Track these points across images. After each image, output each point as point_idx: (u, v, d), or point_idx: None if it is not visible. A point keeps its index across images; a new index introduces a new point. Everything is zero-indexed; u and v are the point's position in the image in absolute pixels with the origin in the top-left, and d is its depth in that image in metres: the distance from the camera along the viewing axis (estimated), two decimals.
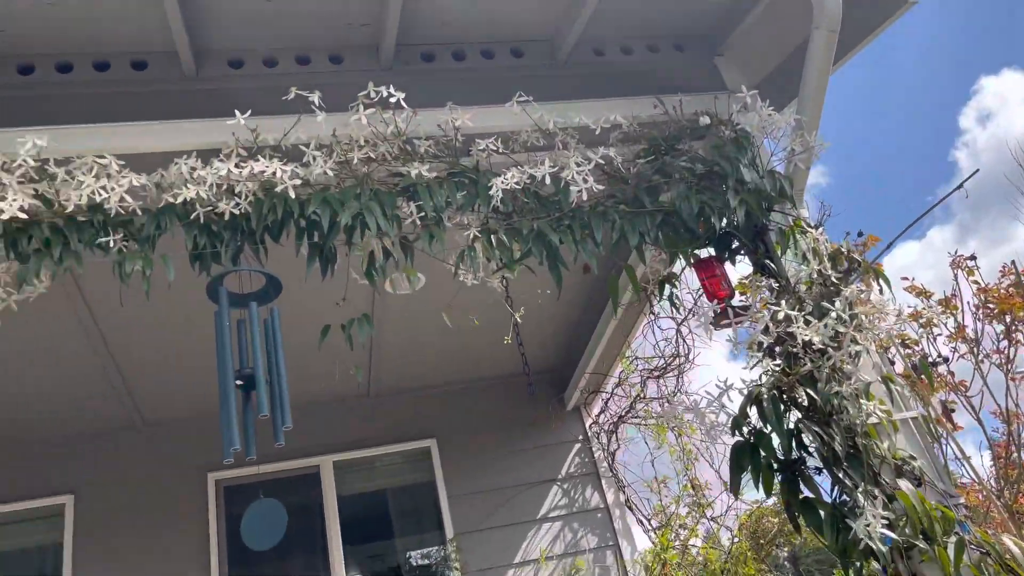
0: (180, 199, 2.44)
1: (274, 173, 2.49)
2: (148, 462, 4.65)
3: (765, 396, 2.55)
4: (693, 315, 4.15)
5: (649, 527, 4.78)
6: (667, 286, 3.06)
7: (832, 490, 2.55)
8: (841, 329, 2.54)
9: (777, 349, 2.65)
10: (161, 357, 4.18)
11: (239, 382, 2.50)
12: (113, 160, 2.42)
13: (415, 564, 4.88)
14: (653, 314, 4.43)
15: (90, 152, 2.43)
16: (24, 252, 2.34)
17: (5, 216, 2.25)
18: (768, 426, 2.55)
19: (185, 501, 4.56)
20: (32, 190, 2.37)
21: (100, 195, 2.36)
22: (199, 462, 4.66)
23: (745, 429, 2.60)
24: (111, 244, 2.38)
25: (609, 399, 5.09)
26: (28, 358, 3.96)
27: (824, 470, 2.56)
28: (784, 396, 2.57)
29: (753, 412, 2.56)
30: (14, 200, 2.28)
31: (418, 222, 2.63)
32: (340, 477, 4.86)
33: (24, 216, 2.30)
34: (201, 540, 4.47)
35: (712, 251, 2.91)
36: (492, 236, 2.68)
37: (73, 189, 2.36)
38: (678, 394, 4.61)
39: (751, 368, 2.65)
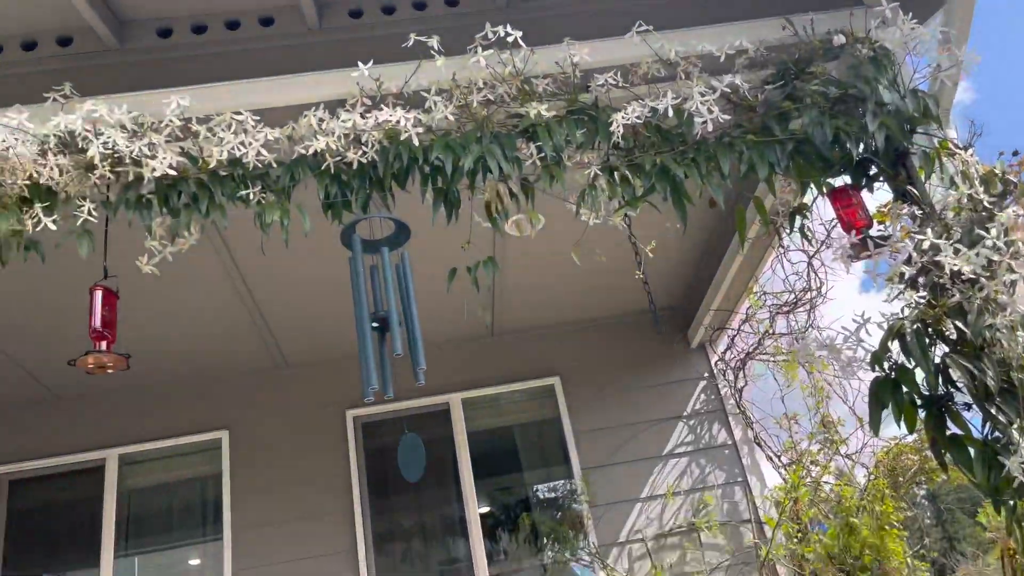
0: (311, 151, 2.53)
1: (398, 121, 2.54)
2: (292, 401, 4.96)
3: (908, 330, 2.42)
4: (826, 247, 3.98)
5: (779, 463, 4.70)
6: (798, 217, 2.94)
7: (983, 427, 2.41)
8: (995, 257, 2.37)
9: (921, 280, 2.50)
10: (301, 304, 4.42)
11: (375, 324, 2.60)
12: (249, 116, 2.53)
13: (542, 497, 5.02)
14: (782, 247, 4.28)
15: (228, 109, 2.55)
16: (175, 207, 2.50)
17: (157, 173, 2.42)
18: (912, 361, 2.43)
19: (327, 437, 4.86)
20: (178, 148, 2.53)
21: (239, 150, 2.48)
22: (338, 400, 4.94)
23: (886, 364, 2.49)
24: (250, 197, 2.51)
25: (735, 336, 4.98)
26: (185, 311, 4.28)
27: (973, 406, 2.43)
28: (929, 329, 2.43)
29: (895, 347, 2.45)
30: (164, 158, 2.43)
31: (538, 163, 2.63)
32: (469, 414, 5.03)
33: (173, 173, 2.46)
34: (343, 472, 4.76)
35: (847, 179, 2.76)
36: (613, 173, 2.65)
37: (215, 145, 2.50)
38: (809, 329, 4.46)
39: (891, 301, 2.53)
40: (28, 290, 3.79)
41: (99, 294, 2.68)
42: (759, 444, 4.81)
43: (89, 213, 2.41)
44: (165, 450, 4.85)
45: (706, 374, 5.08)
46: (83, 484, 4.75)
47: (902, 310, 2.48)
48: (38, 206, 2.39)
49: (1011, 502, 2.34)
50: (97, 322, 2.64)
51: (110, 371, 2.72)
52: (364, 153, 2.55)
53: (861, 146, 2.66)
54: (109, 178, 2.45)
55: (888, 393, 2.48)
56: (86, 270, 2.66)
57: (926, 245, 2.44)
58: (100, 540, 4.55)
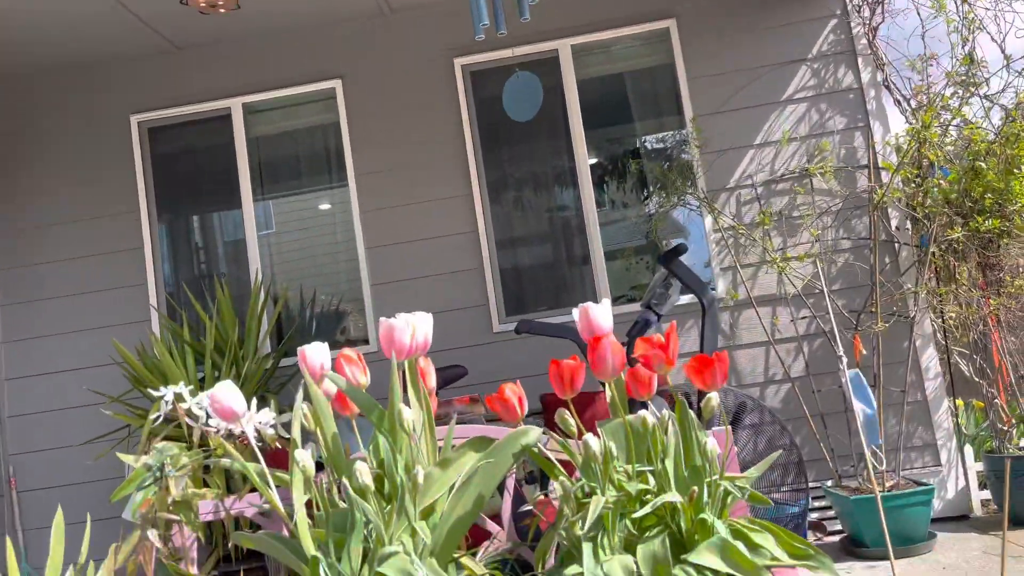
0: None
1: None
2: (400, 49, 4.92)
3: None
4: None
5: (907, 107, 4.45)
6: None
7: None
8: None
9: None
10: None
11: None
12: None
13: (652, 148, 5.01)
14: None
15: None
16: None
17: None
18: None
19: (436, 86, 4.87)
20: None
21: None
22: (446, 47, 4.87)
23: None
24: None
25: None
26: None
27: None
28: None
29: None
30: None
31: None
32: (579, 61, 4.89)
33: None
34: (455, 120, 4.85)
35: None
36: None
37: None
38: None
39: None
40: None
41: None
42: (888, 87, 4.53)
43: None
44: (284, 99, 5.02)
45: (838, 11, 4.66)
46: (214, 132, 5.05)
47: None
48: None
49: None
50: None
51: (222, 10, 2.71)
52: None
53: None
54: None
55: None
56: None
57: None
58: (238, 184, 4.95)
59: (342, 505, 1.77)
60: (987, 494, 4.36)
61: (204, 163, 5.13)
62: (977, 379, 4.40)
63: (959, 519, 4.29)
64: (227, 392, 1.70)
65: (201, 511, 2.12)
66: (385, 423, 1.78)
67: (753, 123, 4.68)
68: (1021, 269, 4.25)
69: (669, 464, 1.64)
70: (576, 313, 1.89)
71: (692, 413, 1.68)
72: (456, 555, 1.80)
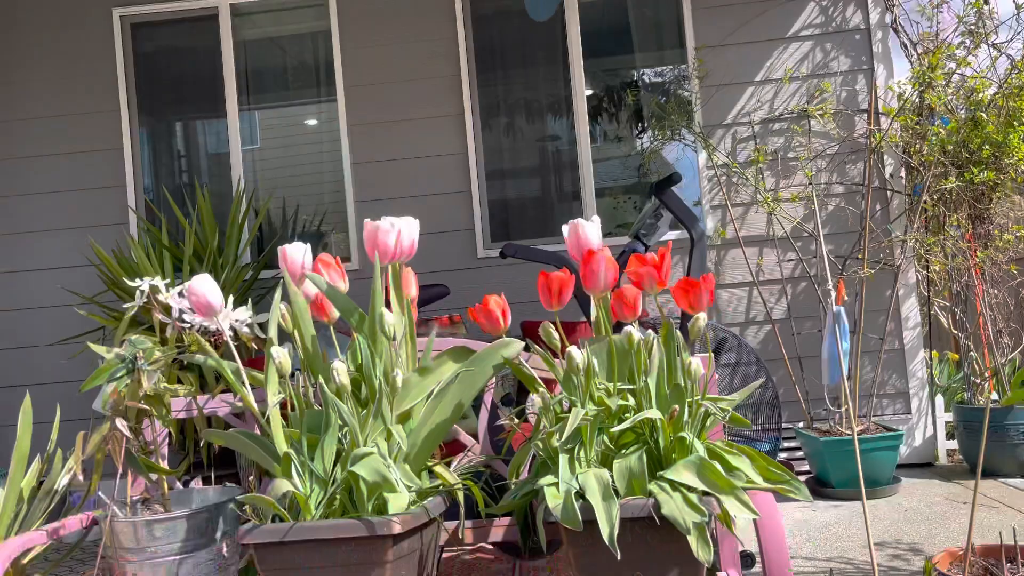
0: None
1: None
2: None
3: None
4: None
5: (913, 52, 4.36)
6: None
7: None
8: None
9: None
10: None
11: None
12: None
13: (650, 80, 4.90)
14: None
15: None
16: None
17: None
18: None
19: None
20: None
21: None
22: None
23: None
24: None
25: None
26: None
27: None
28: None
29: None
30: None
31: None
32: None
33: None
34: (450, 35, 4.69)
35: None
36: None
37: None
38: None
39: None
40: None
41: None
42: (896, 30, 4.42)
43: None
44: (274, 2, 4.83)
45: None
46: (200, 33, 4.86)
47: None
48: None
49: None
50: None
51: None
52: None
53: None
54: None
55: None
56: None
57: None
58: (223, 90, 4.79)
59: (318, 408, 1.74)
60: (953, 444, 4.44)
61: (188, 66, 4.95)
62: (955, 332, 4.43)
63: (924, 466, 4.38)
64: (205, 284, 1.65)
65: (173, 409, 2.09)
66: (365, 326, 1.74)
67: (755, 58, 4.57)
68: (1011, 224, 4.24)
69: (651, 382, 1.62)
70: (566, 230, 1.85)
71: (678, 333, 1.65)
72: (430, 463, 1.78)
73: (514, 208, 4.81)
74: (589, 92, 4.78)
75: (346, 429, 1.63)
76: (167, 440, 2.12)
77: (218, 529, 1.76)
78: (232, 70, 4.79)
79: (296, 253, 1.82)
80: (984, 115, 4.00)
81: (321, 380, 1.66)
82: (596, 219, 1.85)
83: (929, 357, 4.46)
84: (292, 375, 1.77)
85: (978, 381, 4.21)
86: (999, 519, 3.27)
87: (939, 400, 4.42)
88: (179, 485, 2.01)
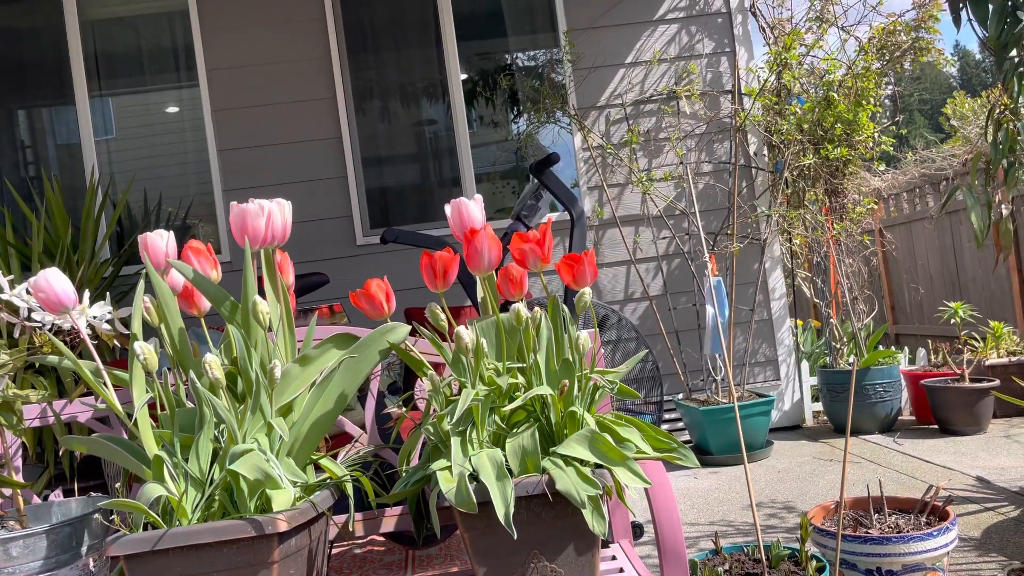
0: None
1: None
2: None
3: None
4: None
5: (771, 35, 4.57)
6: None
7: None
8: None
9: None
10: None
11: None
12: None
13: (524, 64, 4.91)
14: None
15: None
16: None
17: None
18: None
19: None
20: None
21: None
22: None
23: None
24: None
25: None
26: None
27: None
28: None
29: None
30: None
31: None
32: None
33: None
34: (319, 16, 4.53)
35: None
36: None
37: None
38: None
39: None
40: None
41: None
42: (755, 14, 4.62)
43: None
44: None
45: None
46: (42, 10, 4.48)
47: None
48: None
49: (1015, 57, 2.31)
50: None
51: None
52: None
53: None
54: None
55: None
56: None
57: None
58: (71, 75, 4.44)
59: (191, 406, 1.63)
60: (819, 406, 4.72)
61: (31, 48, 4.55)
62: (816, 300, 4.71)
63: (793, 428, 4.64)
64: (52, 277, 1.50)
65: (26, 416, 1.91)
66: (238, 316, 1.64)
67: (625, 41, 4.66)
68: (861, 198, 4.53)
69: (541, 358, 1.61)
70: (449, 210, 1.80)
71: (565, 308, 1.65)
72: (315, 457, 1.71)
73: (393, 194, 4.71)
74: (464, 76, 4.74)
75: (223, 426, 1.53)
76: (21, 451, 1.94)
77: (84, 543, 1.62)
78: (79, 53, 4.44)
79: (158, 241, 1.69)
80: (836, 95, 4.24)
81: (193, 376, 1.55)
82: (479, 197, 1.82)
83: (794, 325, 4.72)
84: (160, 372, 1.64)
85: (838, 346, 4.49)
86: (862, 473, 3.50)
87: (804, 366, 4.68)
88: (37, 499, 1.84)
